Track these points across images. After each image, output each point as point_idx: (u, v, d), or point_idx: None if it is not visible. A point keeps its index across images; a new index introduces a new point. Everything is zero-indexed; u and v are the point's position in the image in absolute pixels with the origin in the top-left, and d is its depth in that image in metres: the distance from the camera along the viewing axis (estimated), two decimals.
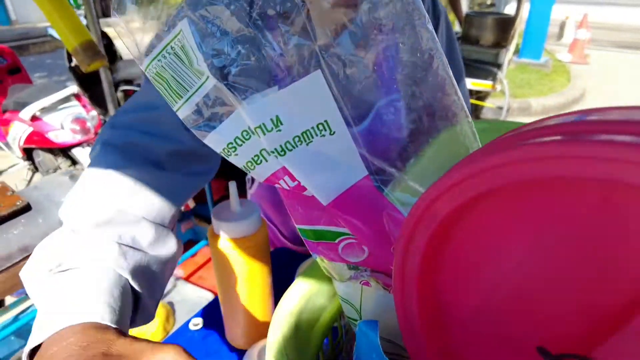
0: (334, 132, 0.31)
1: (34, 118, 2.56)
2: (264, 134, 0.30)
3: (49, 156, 2.79)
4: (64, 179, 0.92)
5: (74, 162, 2.69)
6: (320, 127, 0.31)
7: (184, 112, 0.33)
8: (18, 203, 0.79)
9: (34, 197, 0.85)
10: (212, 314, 0.81)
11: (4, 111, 2.84)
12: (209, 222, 1.35)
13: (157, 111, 0.51)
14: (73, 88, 2.62)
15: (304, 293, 0.42)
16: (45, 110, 2.55)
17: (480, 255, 0.27)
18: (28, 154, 2.92)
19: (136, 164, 0.48)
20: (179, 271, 1.24)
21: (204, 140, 0.34)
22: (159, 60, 0.31)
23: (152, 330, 1.03)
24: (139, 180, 0.47)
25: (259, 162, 0.33)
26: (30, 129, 2.59)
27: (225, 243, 0.63)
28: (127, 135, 0.50)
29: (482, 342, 0.29)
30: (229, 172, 0.80)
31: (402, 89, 0.32)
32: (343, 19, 0.30)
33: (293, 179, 0.33)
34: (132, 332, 0.48)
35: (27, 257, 0.77)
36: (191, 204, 1.55)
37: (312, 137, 0.31)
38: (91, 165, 0.48)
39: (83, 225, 0.43)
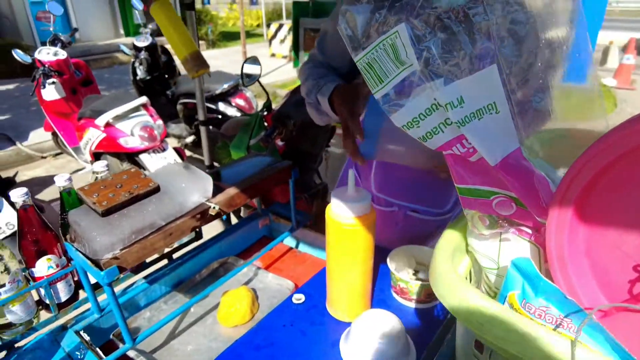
0: (499, 112, 0.41)
1: (107, 125, 2.79)
2: (451, 109, 0.41)
3: (115, 161, 3.02)
4: (179, 168, 1.05)
5: (139, 167, 2.90)
6: (490, 107, 0.41)
7: (381, 93, 0.44)
8: (151, 185, 0.92)
9: (157, 181, 0.98)
10: (312, 290, 0.91)
11: (79, 118, 3.11)
12: (285, 219, 1.46)
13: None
14: (143, 99, 2.85)
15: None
16: (118, 118, 2.77)
17: (619, 198, 0.36)
18: (96, 158, 3.16)
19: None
20: (258, 262, 1.35)
21: (391, 116, 0.44)
22: (371, 54, 0.42)
23: (240, 311, 1.13)
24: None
25: (436, 132, 0.43)
26: (103, 135, 2.82)
27: (342, 221, 0.73)
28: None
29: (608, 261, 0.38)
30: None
31: (544, 86, 0.42)
32: (514, 29, 0.40)
33: (463, 146, 0.43)
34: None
35: (156, 231, 0.90)
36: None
37: (483, 114, 0.41)
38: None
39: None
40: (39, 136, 4.78)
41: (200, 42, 11.25)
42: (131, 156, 2.85)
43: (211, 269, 1.30)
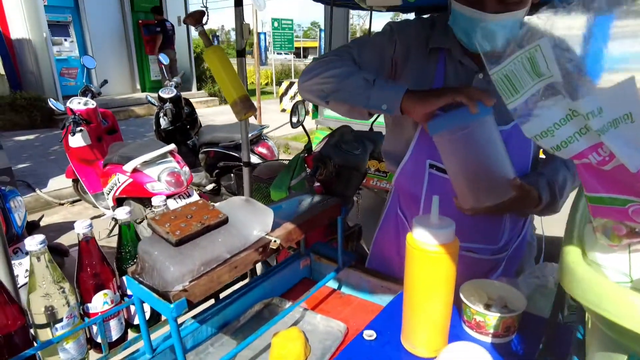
0: (634, 121, 0.43)
1: (135, 170, 2.83)
2: (592, 118, 0.42)
3: (139, 206, 3.04)
4: (241, 201, 1.06)
5: None
6: (625, 117, 0.43)
7: (514, 103, 0.45)
8: (220, 216, 0.93)
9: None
10: (382, 326, 0.88)
11: (105, 165, 3.17)
12: (328, 259, 1.44)
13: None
14: (171, 146, 2.92)
15: None
16: (146, 164, 2.83)
17: None
18: (119, 204, 3.18)
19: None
20: (304, 304, 1.32)
21: (524, 125, 0.46)
22: (509, 66, 0.45)
23: (294, 352, 1.09)
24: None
25: (571, 141, 0.44)
26: (130, 180, 2.86)
27: (426, 249, 0.73)
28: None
29: None
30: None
31: None
32: None
33: (599, 154, 0.44)
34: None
35: (222, 264, 0.89)
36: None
37: (619, 124, 0.43)
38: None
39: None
40: (58, 183, 4.84)
41: (214, 98, 11.72)
42: None
43: (255, 311, 1.27)
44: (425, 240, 0.73)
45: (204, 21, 1.34)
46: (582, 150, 0.44)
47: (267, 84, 16.69)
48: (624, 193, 0.45)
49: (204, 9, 1.36)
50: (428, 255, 0.72)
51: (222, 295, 1.26)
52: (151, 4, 10.18)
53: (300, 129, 1.76)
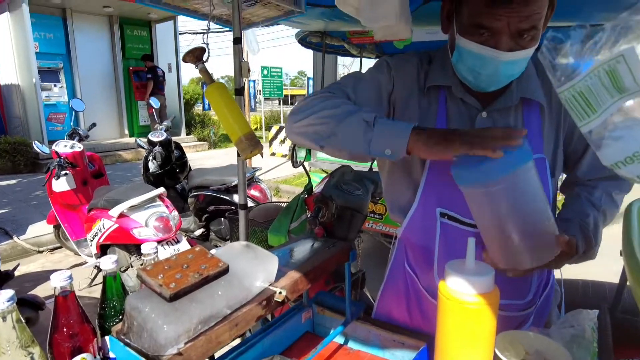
0: None
1: (121, 215, 2.70)
2: None
3: (123, 253, 2.87)
4: (241, 247, 0.96)
5: None
6: None
7: (590, 125, 0.38)
8: (220, 265, 0.82)
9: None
10: None
11: (90, 209, 3.03)
12: (333, 310, 1.31)
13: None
14: (160, 189, 2.81)
15: None
16: (133, 208, 2.70)
17: None
18: (102, 251, 3.01)
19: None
20: None
21: (602, 151, 0.38)
22: (583, 82, 0.38)
23: None
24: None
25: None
26: (115, 226, 2.72)
27: (464, 299, 0.63)
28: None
29: None
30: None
31: None
32: None
33: None
34: None
35: (221, 321, 0.77)
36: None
37: None
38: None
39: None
40: (38, 230, 4.63)
41: (203, 142, 11.77)
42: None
43: None
44: (462, 289, 0.63)
45: (204, 58, 1.29)
46: None
47: (256, 129, 16.95)
48: None
49: (205, 45, 1.32)
50: (466, 307, 0.63)
51: (217, 355, 1.12)
52: (142, 52, 10.37)
53: (294, 170, 1.67)
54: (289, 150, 1.69)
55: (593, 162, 0.98)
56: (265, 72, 13.00)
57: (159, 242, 2.65)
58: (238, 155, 1.43)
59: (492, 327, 0.64)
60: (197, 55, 1.29)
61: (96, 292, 3.33)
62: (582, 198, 0.98)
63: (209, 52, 1.31)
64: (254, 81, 18.11)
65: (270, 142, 10.75)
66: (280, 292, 0.91)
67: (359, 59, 5.62)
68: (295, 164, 1.71)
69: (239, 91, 1.44)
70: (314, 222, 1.35)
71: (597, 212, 0.96)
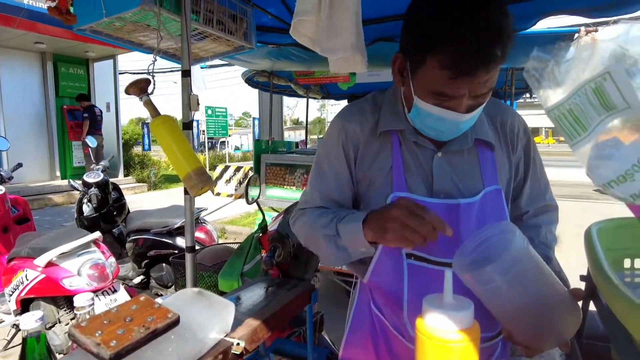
0: None
1: (49, 264, 2.42)
2: None
3: (50, 308, 2.56)
4: (193, 294, 0.86)
5: None
6: None
7: (580, 145, 0.37)
8: (169, 316, 0.71)
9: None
10: None
11: (10, 260, 2.69)
12: (293, 358, 1.22)
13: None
14: (96, 234, 2.57)
15: None
16: (63, 256, 2.44)
17: None
18: (24, 306, 2.66)
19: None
20: None
21: (593, 172, 0.37)
22: (572, 99, 0.36)
23: None
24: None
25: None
26: (42, 276, 2.43)
27: (444, 337, 0.59)
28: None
29: None
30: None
31: None
32: None
33: None
34: None
35: None
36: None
37: None
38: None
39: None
40: None
41: (142, 184, 11.23)
42: (72, 301, 2.42)
43: None
44: (443, 326, 0.59)
45: (149, 90, 1.21)
46: None
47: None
48: None
49: (150, 76, 1.24)
50: (449, 345, 0.58)
51: None
52: (79, 90, 9.89)
53: (241, 210, 1.56)
54: (240, 184, 1.61)
55: (531, 192, 1.05)
56: (209, 112, 12.87)
57: (94, 292, 2.38)
58: (186, 192, 1.33)
59: None
60: (141, 87, 1.21)
61: (13, 355, 2.92)
62: (536, 242, 1.01)
63: (154, 84, 1.24)
64: (198, 121, 17.89)
65: (215, 181, 10.51)
66: (238, 344, 0.82)
67: (304, 100, 5.75)
68: (249, 201, 1.63)
69: (188, 125, 1.36)
70: (270, 262, 1.27)
71: (549, 250, 1.00)
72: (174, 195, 9.86)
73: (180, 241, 3.19)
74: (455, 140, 0.94)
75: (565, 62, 0.38)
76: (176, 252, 3.15)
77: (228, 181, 9.93)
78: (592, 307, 0.93)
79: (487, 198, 0.95)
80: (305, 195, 1.08)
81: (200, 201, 8.67)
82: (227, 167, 10.02)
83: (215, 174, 10.58)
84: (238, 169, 10.03)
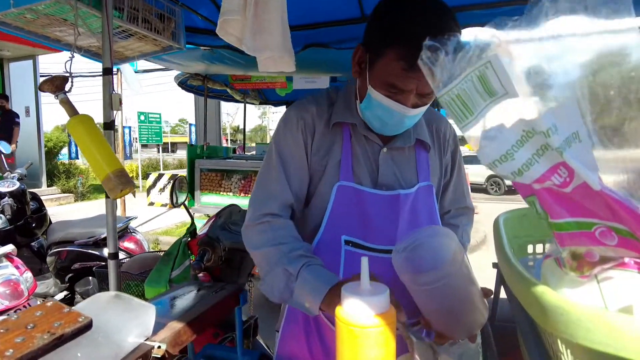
0: (582, 141, 0.41)
1: None
2: (551, 135, 0.39)
3: None
4: (109, 297, 0.81)
5: None
6: (574, 135, 0.41)
7: (469, 128, 0.40)
8: (80, 319, 0.67)
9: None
10: None
11: None
12: None
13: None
14: (8, 247, 2.35)
15: None
16: None
17: None
18: None
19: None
20: None
21: (480, 151, 0.40)
22: (460, 85, 0.40)
23: None
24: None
25: (532, 164, 0.40)
26: None
27: (361, 323, 0.61)
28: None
29: None
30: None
31: None
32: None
33: (560, 175, 0.40)
34: None
35: None
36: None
37: (571, 143, 0.40)
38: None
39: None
40: None
41: (68, 194, 10.47)
42: None
43: None
44: (358, 311, 0.61)
45: (66, 88, 1.13)
46: (543, 172, 0.40)
47: (133, 178, 15.68)
48: (588, 216, 0.41)
49: (67, 74, 1.16)
50: (363, 329, 0.60)
51: None
52: None
53: (176, 220, 1.48)
54: (168, 187, 1.55)
55: (455, 194, 1.17)
56: (142, 117, 12.29)
57: (5, 311, 2.17)
58: (107, 196, 1.25)
59: (392, 348, 0.62)
60: (57, 85, 1.13)
61: None
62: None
63: (72, 82, 1.16)
64: (130, 127, 16.99)
65: (148, 191, 10.00)
66: (159, 347, 0.79)
67: (242, 106, 5.68)
68: (174, 204, 1.56)
69: (109, 125, 1.28)
70: (198, 266, 1.23)
71: (465, 251, 1.09)
72: (104, 207, 9.27)
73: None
74: (399, 138, 1.03)
75: (455, 52, 0.42)
76: (103, 263, 2.95)
77: (162, 190, 9.48)
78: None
79: (420, 192, 1.04)
80: (263, 190, 1.02)
81: (132, 212, 8.23)
82: (160, 175, 9.58)
83: (147, 183, 10.10)
84: (172, 177, 9.63)
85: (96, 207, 9.59)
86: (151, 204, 9.74)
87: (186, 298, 1.01)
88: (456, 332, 0.86)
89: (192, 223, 1.63)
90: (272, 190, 1.00)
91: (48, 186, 10.57)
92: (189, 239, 1.54)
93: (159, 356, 0.77)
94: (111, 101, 1.28)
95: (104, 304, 0.79)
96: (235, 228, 1.60)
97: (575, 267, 0.44)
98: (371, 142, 1.03)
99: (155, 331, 0.83)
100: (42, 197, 3.75)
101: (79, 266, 3.13)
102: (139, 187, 13.14)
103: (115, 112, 1.30)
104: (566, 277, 0.44)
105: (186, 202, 1.61)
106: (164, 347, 0.78)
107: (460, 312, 0.83)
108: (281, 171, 1.01)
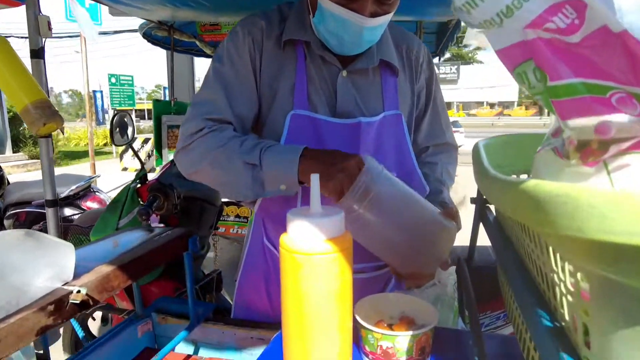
0: None
1: None
2: None
3: None
4: (18, 235, 0.68)
5: None
6: None
7: None
8: None
9: None
10: None
11: None
12: (178, 317, 1.08)
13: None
14: None
15: None
16: None
17: None
18: None
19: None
20: None
21: None
22: None
23: None
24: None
25: (519, 6, 0.28)
26: None
27: (309, 249, 0.50)
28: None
29: None
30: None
31: None
32: None
33: (566, 16, 0.28)
34: None
35: None
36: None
37: None
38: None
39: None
40: None
41: (36, 161, 10.08)
42: None
43: None
44: (306, 237, 0.49)
45: None
46: (541, 12, 0.28)
47: (105, 145, 15.23)
48: (601, 77, 0.29)
49: None
50: (313, 259, 0.49)
51: None
52: None
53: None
54: (150, 157, 1.39)
55: (431, 128, 1.03)
56: (113, 80, 11.73)
57: None
58: (42, 136, 1.09)
59: (347, 281, 0.52)
60: None
61: None
62: (431, 179, 1.00)
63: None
64: (102, 92, 16.24)
65: (121, 156, 9.71)
66: (78, 291, 0.67)
67: None
68: (116, 142, 1.40)
69: (36, 53, 1.10)
70: (145, 212, 1.10)
71: (443, 186, 1.00)
72: (78, 171, 8.97)
73: (70, 212, 2.83)
74: (361, 59, 0.90)
75: None
76: (66, 224, 2.79)
77: (135, 155, 9.21)
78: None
79: (386, 121, 0.92)
80: (203, 104, 0.86)
81: (104, 180, 7.96)
82: (133, 139, 9.29)
83: (120, 148, 9.78)
84: (146, 140, 9.32)
85: (70, 171, 9.28)
86: (125, 169, 9.47)
87: (124, 242, 0.88)
88: (420, 265, 0.77)
89: (142, 168, 1.48)
90: (207, 111, 0.85)
91: (14, 152, 10.14)
92: (139, 184, 1.40)
93: (77, 301, 0.64)
94: (37, 24, 1.08)
95: (10, 242, 0.66)
96: None
97: (579, 152, 0.32)
98: (329, 64, 0.90)
99: (79, 275, 0.71)
100: (8, 164, 3.52)
101: (38, 228, 2.96)
102: (112, 153, 12.72)
103: (43, 39, 1.11)
104: (567, 169, 0.33)
105: (132, 142, 1.45)
106: (84, 291, 0.66)
107: (408, 239, 0.74)
108: (220, 89, 0.86)
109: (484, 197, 0.74)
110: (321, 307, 0.49)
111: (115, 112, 1.42)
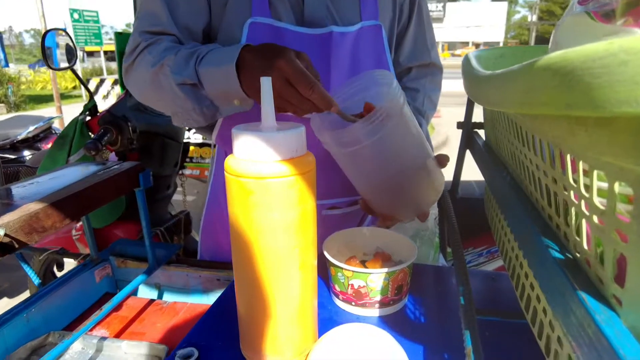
0: None
1: None
2: None
3: None
4: None
5: None
6: None
7: None
8: None
9: None
10: (209, 336, 0.52)
11: None
12: (137, 260, 1.00)
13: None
14: None
15: None
16: None
17: None
18: None
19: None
20: (100, 330, 0.87)
21: None
22: None
23: None
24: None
25: None
26: None
27: (259, 173, 0.40)
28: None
29: None
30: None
31: None
32: None
33: None
34: None
35: None
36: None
37: None
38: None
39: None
40: None
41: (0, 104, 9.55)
42: None
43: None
44: (257, 156, 0.39)
45: None
46: None
47: (74, 88, 14.49)
48: None
49: None
50: (265, 184, 0.39)
51: None
52: None
53: None
54: (112, 92, 1.22)
55: (414, 45, 0.92)
56: (76, 15, 10.85)
57: None
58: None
59: (309, 211, 0.42)
60: None
61: None
62: (410, 106, 0.88)
63: None
64: (65, 29, 15.12)
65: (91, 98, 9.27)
66: None
67: None
68: (51, 65, 1.23)
69: None
70: (94, 146, 0.98)
71: (422, 118, 0.91)
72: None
73: (28, 154, 2.65)
74: None
75: None
76: (24, 167, 2.63)
77: (105, 97, 8.75)
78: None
79: (364, 33, 0.79)
80: (143, 17, 0.73)
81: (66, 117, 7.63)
82: (102, 81, 8.75)
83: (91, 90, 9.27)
84: (116, 81, 8.84)
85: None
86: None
87: (63, 177, 0.77)
88: (400, 211, 0.68)
89: (91, 99, 1.33)
90: (146, 24, 0.71)
91: None
92: (89, 117, 1.25)
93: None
94: None
95: None
96: (153, 109, 1.33)
97: (628, 9, 0.22)
98: None
99: (3, 213, 0.60)
100: None
101: None
102: (82, 96, 12.10)
103: None
104: (602, 29, 0.23)
105: (74, 65, 1.28)
106: (2, 232, 0.55)
107: (400, 181, 0.64)
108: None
109: (475, 100, 0.65)
110: (277, 242, 0.40)
111: (47, 31, 1.23)
